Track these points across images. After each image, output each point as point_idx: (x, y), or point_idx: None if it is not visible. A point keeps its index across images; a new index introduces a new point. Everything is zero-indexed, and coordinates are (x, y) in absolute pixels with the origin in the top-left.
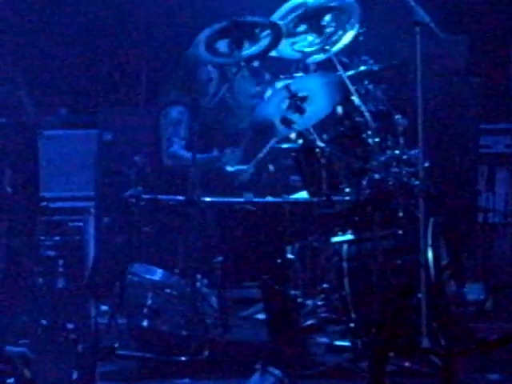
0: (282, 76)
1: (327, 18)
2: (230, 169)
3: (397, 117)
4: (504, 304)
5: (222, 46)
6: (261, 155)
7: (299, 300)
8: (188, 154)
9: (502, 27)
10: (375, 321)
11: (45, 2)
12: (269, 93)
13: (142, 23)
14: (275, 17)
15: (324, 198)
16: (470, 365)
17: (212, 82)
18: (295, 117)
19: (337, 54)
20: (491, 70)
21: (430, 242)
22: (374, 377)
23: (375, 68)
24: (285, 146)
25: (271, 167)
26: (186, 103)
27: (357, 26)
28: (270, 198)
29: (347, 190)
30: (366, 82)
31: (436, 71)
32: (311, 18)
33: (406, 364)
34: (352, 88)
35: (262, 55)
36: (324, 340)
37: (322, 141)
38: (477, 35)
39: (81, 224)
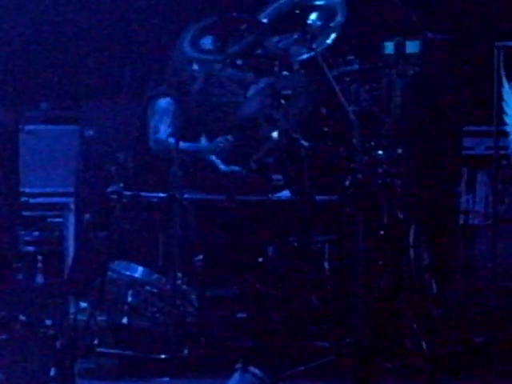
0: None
1: (313, 16)
2: (222, 167)
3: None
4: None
5: (207, 42)
6: None
7: (280, 299)
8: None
9: (485, 28)
10: (356, 322)
11: None
12: (251, 91)
13: (126, 19)
14: (261, 15)
15: (306, 198)
16: None
17: (196, 80)
18: (279, 115)
19: (322, 52)
20: (474, 71)
21: (411, 242)
22: (358, 378)
23: (359, 68)
24: (268, 144)
25: (253, 165)
26: (174, 96)
27: (342, 24)
28: (252, 197)
29: (330, 189)
30: (350, 82)
31: (419, 72)
32: (297, 17)
33: (388, 365)
34: (336, 87)
35: (247, 53)
36: (305, 340)
37: (306, 140)
38: (460, 36)
39: (61, 220)
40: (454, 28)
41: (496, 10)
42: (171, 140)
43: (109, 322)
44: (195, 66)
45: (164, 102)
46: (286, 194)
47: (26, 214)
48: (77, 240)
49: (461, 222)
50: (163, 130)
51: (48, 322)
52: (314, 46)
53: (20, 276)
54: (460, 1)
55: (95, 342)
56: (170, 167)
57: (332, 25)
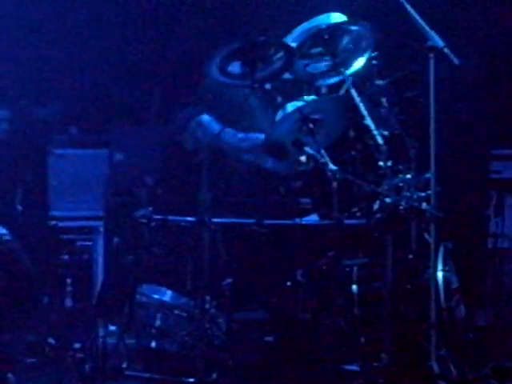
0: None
1: (341, 40)
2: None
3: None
4: None
5: (235, 67)
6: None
7: (308, 323)
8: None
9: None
10: (385, 345)
11: (58, 20)
12: (279, 115)
13: (155, 43)
14: (289, 39)
15: (335, 222)
16: None
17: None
18: (307, 139)
19: (350, 77)
20: (502, 95)
21: (440, 266)
22: None
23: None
24: (296, 168)
25: (282, 189)
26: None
27: (370, 49)
28: (280, 221)
29: (358, 213)
30: (378, 106)
31: (447, 96)
32: (325, 41)
33: None
34: (364, 111)
35: (275, 77)
36: (333, 364)
37: (334, 164)
38: (488, 60)
39: (90, 243)
40: (481, 52)
41: None
42: (239, 134)
43: (138, 346)
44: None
45: (206, 117)
46: (314, 217)
47: (55, 237)
48: (106, 263)
49: (490, 245)
50: (227, 130)
51: (77, 346)
52: (342, 70)
53: (49, 299)
54: (488, 26)
55: (124, 365)
56: (201, 190)
57: (360, 49)
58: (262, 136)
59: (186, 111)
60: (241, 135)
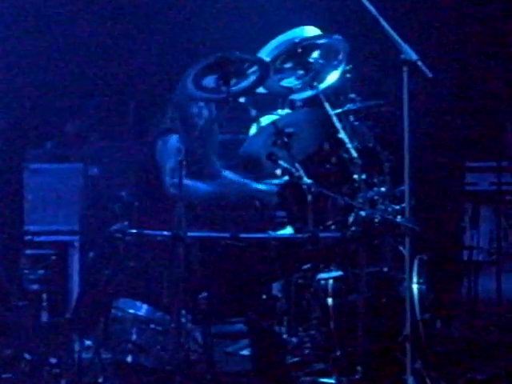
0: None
1: (314, 54)
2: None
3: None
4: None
5: (210, 81)
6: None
7: (284, 336)
8: (195, 184)
9: (487, 65)
10: (360, 358)
11: (34, 35)
12: (254, 129)
13: (130, 58)
14: (262, 53)
15: (310, 235)
16: None
17: (201, 115)
18: (281, 153)
19: (324, 90)
20: (476, 107)
21: (415, 279)
22: None
23: (361, 106)
24: (271, 181)
25: (257, 203)
26: (178, 131)
27: (344, 63)
28: (255, 234)
29: (333, 226)
30: (352, 119)
31: (421, 109)
32: (298, 55)
33: None
34: (338, 125)
35: (250, 91)
36: (309, 377)
37: (308, 177)
38: (462, 73)
39: (65, 258)
40: (455, 65)
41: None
42: (188, 182)
43: (113, 360)
44: (201, 103)
45: (175, 140)
46: (289, 231)
47: (30, 252)
48: (81, 278)
49: (465, 257)
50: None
51: (53, 361)
52: (316, 84)
53: (25, 314)
54: (462, 39)
55: (100, 380)
56: (176, 205)
57: (334, 63)
58: (209, 187)
59: (157, 128)
60: (188, 182)
